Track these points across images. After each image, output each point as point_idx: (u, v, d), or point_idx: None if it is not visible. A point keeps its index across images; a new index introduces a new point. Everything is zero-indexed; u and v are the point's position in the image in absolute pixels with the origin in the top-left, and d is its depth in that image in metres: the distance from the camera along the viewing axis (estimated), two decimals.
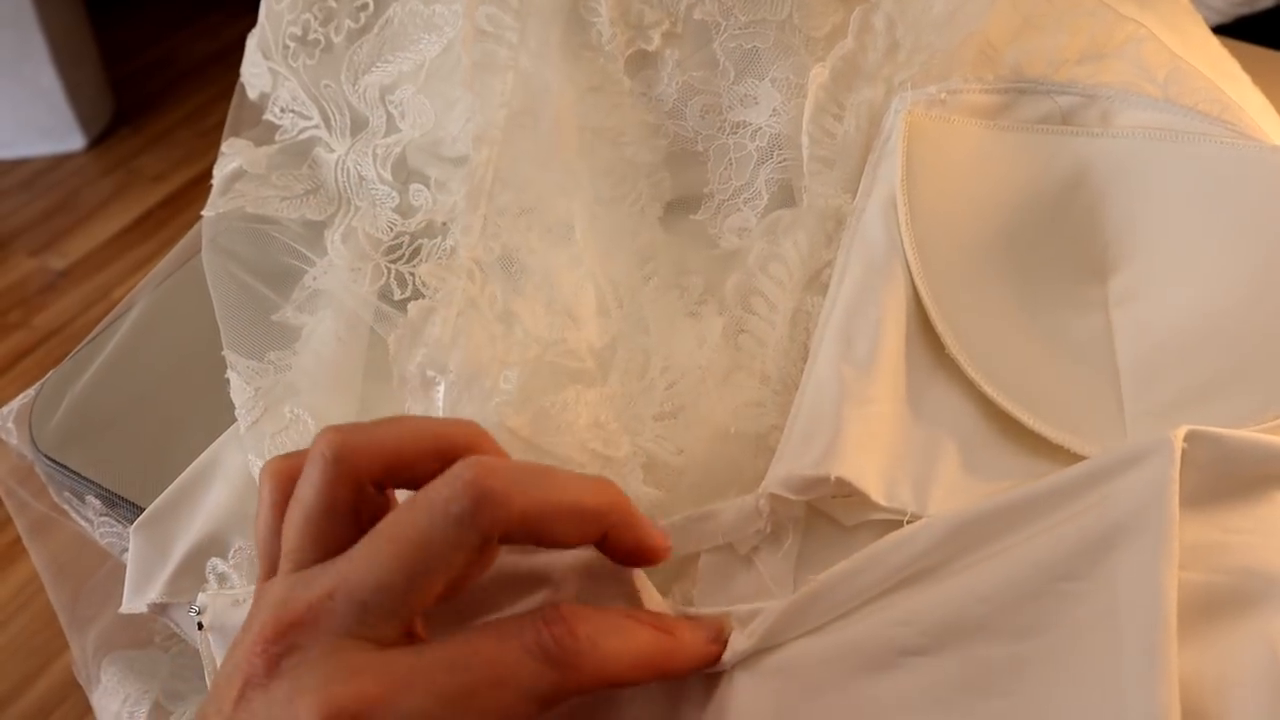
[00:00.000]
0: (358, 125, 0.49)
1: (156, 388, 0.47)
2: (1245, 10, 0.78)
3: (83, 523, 0.46)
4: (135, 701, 0.47)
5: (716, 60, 0.44)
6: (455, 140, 0.45)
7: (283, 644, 0.25)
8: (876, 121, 0.41)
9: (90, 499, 0.44)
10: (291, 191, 0.49)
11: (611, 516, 0.28)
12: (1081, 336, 0.36)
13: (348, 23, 0.49)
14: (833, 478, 0.31)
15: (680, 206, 0.45)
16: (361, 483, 0.27)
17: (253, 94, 0.52)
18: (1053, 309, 0.37)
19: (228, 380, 0.43)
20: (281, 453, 0.39)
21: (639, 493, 0.34)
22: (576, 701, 0.28)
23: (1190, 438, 0.28)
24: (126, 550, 0.42)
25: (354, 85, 0.49)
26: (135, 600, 0.41)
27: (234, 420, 0.42)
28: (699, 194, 0.45)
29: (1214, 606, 0.28)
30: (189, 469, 0.42)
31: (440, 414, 0.36)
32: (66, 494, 0.46)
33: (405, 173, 0.48)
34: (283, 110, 0.51)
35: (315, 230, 0.48)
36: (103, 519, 0.45)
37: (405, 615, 0.25)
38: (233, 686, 0.25)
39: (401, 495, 0.30)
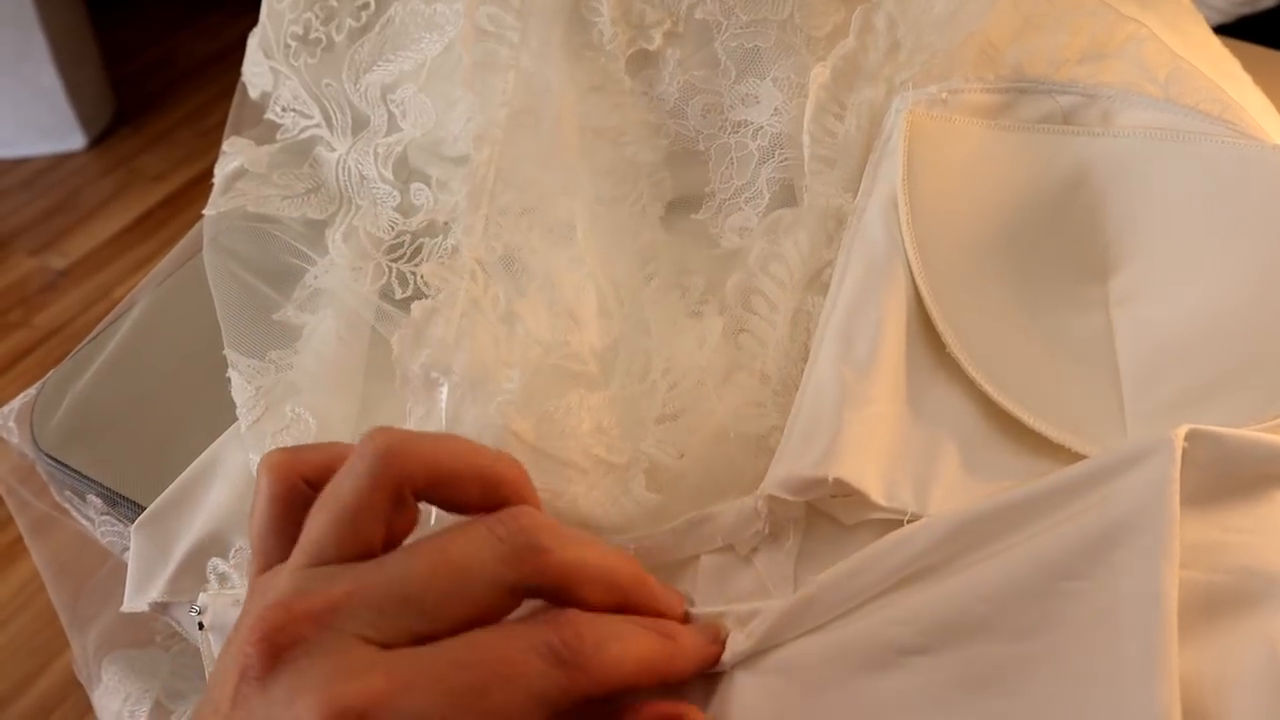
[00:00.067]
0: (359, 124, 0.49)
1: (157, 387, 0.47)
2: (1247, 10, 0.78)
3: (84, 522, 0.47)
4: (136, 700, 0.47)
5: (718, 59, 0.44)
6: (456, 139, 0.45)
7: (285, 635, 0.24)
8: (877, 121, 0.41)
9: (91, 498, 0.44)
10: (293, 190, 0.49)
11: (631, 594, 0.29)
12: (1082, 336, 0.36)
13: (349, 21, 0.49)
14: (831, 479, 0.31)
15: (682, 206, 0.45)
16: (402, 489, 0.27)
17: (254, 93, 0.52)
18: (1053, 308, 0.37)
19: (229, 379, 0.43)
20: None
21: (641, 498, 0.34)
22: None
23: (1191, 437, 0.28)
24: (127, 549, 0.42)
25: (355, 84, 0.49)
26: (136, 599, 0.41)
27: (235, 419, 0.42)
28: (700, 193, 0.45)
29: (1214, 606, 0.28)
30: (190, 468, 0.42)
31: (443, 414, 0.36)
32: (67, 493, 0.46)
33: (406, 172, 0.48)
34: (284, 109, 0.51)
35: (316, 229, 0.48)
36: (104, 518, 0.45)
37: (419, 633, 0.25)
38: (228, 683, 0.24)
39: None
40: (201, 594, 0.38)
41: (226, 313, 0.45)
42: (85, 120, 1.76)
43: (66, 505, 0.47)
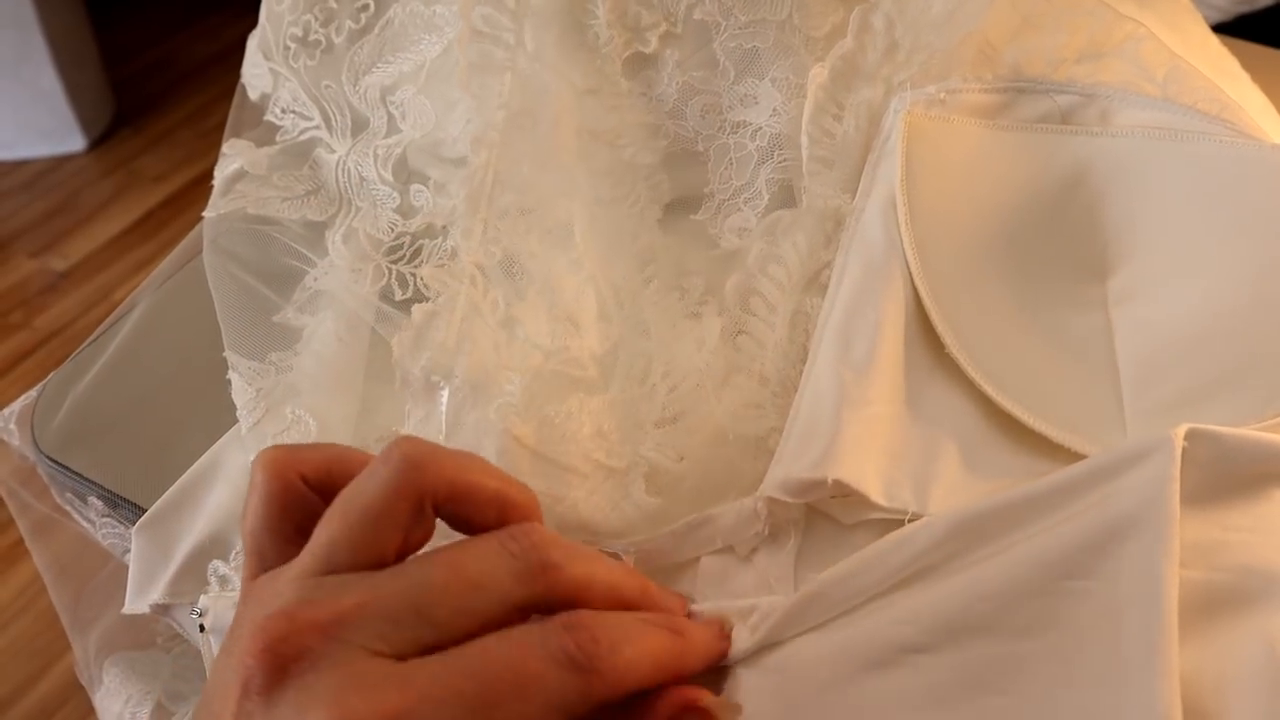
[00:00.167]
0: (358, 126, 0.49)
1: (158, 389, 0.47)
2: (1246, 8, 0.78)
3: (85, 524, 0.47)
4: (137, 702, 0.47)
5: (716, 60, 0.44)
6: (456, 141, 0.46)
7: (290, 647, 0.23)
8: (876, 121, 0.41)
9: (92, 500, 0.45)
10: (292, 192, 0.49)
11: (637, 606, 0.28)
12: (1081, 335, 0.36)
13: (348, 23, 0.49)
14: (830, 480, 0.31)
15: (681, 206, 0.45)
16: (424, 500, 0.26)
17: (254, 95, 0.52)
18: (1052, 308, 0.37)
19: (229, 381, 0.43)
20: None
21: (641, 502, 0.34)
22: None
23: (1191, 436, 0.28)
24: (128, 551, 0.42)
25: (355, 86, 0.49)
26: (137, 601, 0.41)
27: (235, 421, 0.42)
28: (699, 194, 0.45)
29: (1214, 604, 0.28)
30: (191, 470, 0.42)
31: (443, 418, 0.36)
32: (68, 495, 0.46)
33: (406, 173, 0.48)
34: (283, 111, 0.51)
35: (316, 231, 0.48)
36: (105, 520, 0.45)
37: (428, 645, 0.24)
38: (229, 696, 0.23)
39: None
40: (202, 596, 0.38)
41: (226, 314, 0.45)
42: (85, 122, 1.76)
43: (67, 507, 0.47)
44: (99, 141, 1.80)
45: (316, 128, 0.50)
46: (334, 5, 0.49)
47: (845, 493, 0.32)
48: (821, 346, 0.35)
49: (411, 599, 0.24)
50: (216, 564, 0.39)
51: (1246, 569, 0.28)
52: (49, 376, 0.49)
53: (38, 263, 1.59)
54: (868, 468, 0.32)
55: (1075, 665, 0.27)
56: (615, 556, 0.34)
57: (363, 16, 0.49)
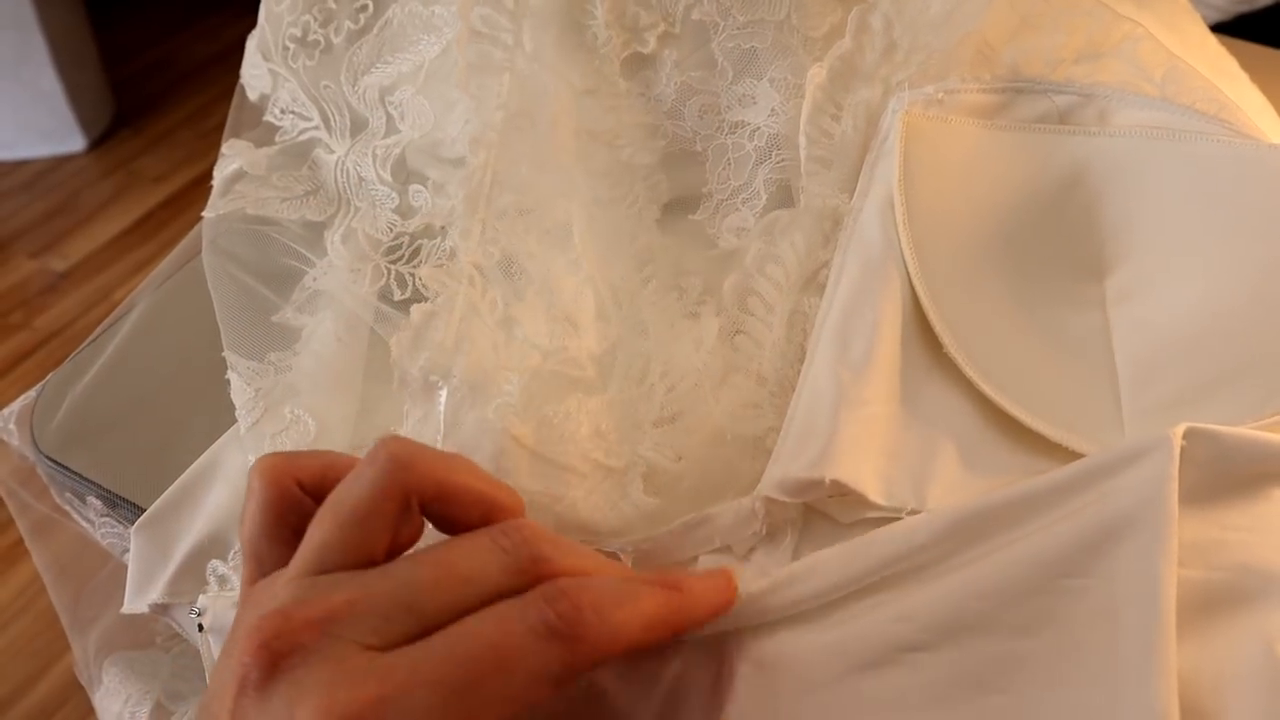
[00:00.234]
0: (357, 126, 0.49)
1: (157, 389, 0.47)
2: (1245, 8, 0.78)
3: (84, 524, 0.47)
4: (137, 702, 0.47)
5: (715, 60, 0.44)
6: (454, 141, 0.46)
7: (283, 643, 0.24)
8: (874, 121, 0.41)
9: (91, 500, 0.45)
10: (291, 192, 0.49)
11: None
12: (1079, 335, 0.36)
13: (347, 24, 0.49)
14: (827, 480, 0.31)
15: (679, 206, 0.45)
16: (410, 498, 0.27)
17: (253, 95, 0.52)
18: (1050, 308, 0.37)
19: (228, 381, 0.43)
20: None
21: (639, 502, 0.34)
22: (570, 698, 0.29)
23: (1189, 435, 0.28)
24: (128, 551, 0.42)
25: (353, 86, 0.49)
26: (136, 601, 0.41)
27: (234, 421, 0.42)
28: (698, 194, 0.45)
29: (1212, 604, 0.28)
30: (190, 470, 0.42)
31: (441, 418, 0.36)
32: (68, 495, 0.46)
33: (405, 174, 0.48)
34: (283, 111, 0.51)
35: (315, 231, 0.48)
36: (104, 520, 0.45)
37: (420, 634, 0.25)
38: (226, 695, 0.24)
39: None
40: (201, 596, 0.39)
41: (226, 315, 0.45)
42: (85, 122, 1.76)
43: (67, 507, 0.47)
44: (99, 142, 1.80)
45: (315, 128, 0.50)
46: (333, 6, 0.49)
47: (843, 492, 0.32)
48: (819, 346, 0.35)
49: (402, 594, 0.25)
50: (215, 563, 0.39)
51: (1245, 568, 0.28)
52: (48, 377, 0.49)
53: (38, 263, 1.59)
54: (865, 467, 0.32)
55: (1073, 664, 0.27)
56: (613, 556, 0.34)
57: (361, 17, 0.49)
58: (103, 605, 0.49)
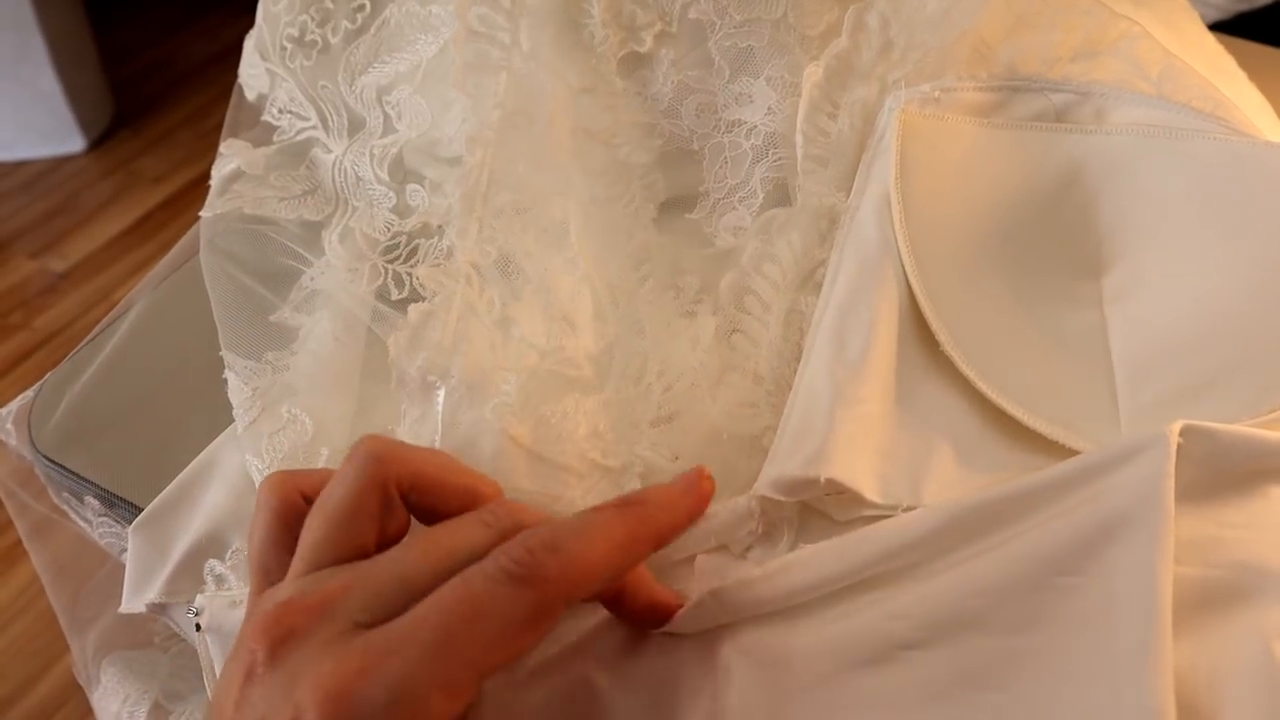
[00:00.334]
0: (355, 126, 0.49)
1: (155, 388, 0.47)
2: (1245, 7, 0.78)
3: (82, 523, 0.47)
4: (135, 702, 0.47)
5: (712, 59, 0.44)
6: (452, 141, 0.46)
7: (283, 628, 0.25)
8: (870, 120, 0.41)
9: (89, 499, 0.45)
10: (289, 192, 0.49)
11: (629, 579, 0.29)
12: (1076, 333, 0.36)
13: (344, 24, 0.49)
14: (823, 479, 0.31)
15: (676, 205, 0.45)
16: (389, 488, 0.28)
17: (250, 95, 0.52)
18: (1047, 306, 0.37)
19: (225, 380, 0.43)
20: (279, 452, 0.39)
21: None
22: (564, 696, 0.29)
23: (1185, 433, 0.28)
24: (126, 551, 0.42)
25: (351, 86, 0.49)
26: (134, 600, 0.41)
27: (232, 420, 0.42)
28: (694, 193, 0.45)
29: (1208, 601, 0.28)
30: (187, 469, 0.42)
31: (439, 417, 0.36)
32: (65, 494, 0.46)
33: (402, 173, 0.48)
34: (280, 111, 0.51)
35: (313, 231, 0.48)
36: (101, 519, 0.45)
37: (410, 606, 0.25)
38: (234, 685, 0.25)
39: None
40: (199, 596, 0.39)
41: (223, 314, 0.45)
42: (84, 123, 1.76)
43: (65, 507, 0.47)
44: (98, 142, 1.80)
45: (313, 128, 0.50)
46: (330, 5, 0.49)
47: (839, 490, 0.32)
48: (815, 345, 0.35)
49: (392, 571, 0.26)
50: (213, 563, 0.39)
51: (1241, 565, 0.28)
52: (46, 376, 0.49)
53: (37, 264, 1.59)
54: (860, 465, 0.32)
55: (1069, 662, 0.27)
56: None
57: (359, 17, 0.49)
58: (101, 605, 0.49)
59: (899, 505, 0.32)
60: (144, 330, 0.50)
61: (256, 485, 0.40)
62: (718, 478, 0.34)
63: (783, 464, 0.32)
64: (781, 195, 0.43)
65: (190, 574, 0.40)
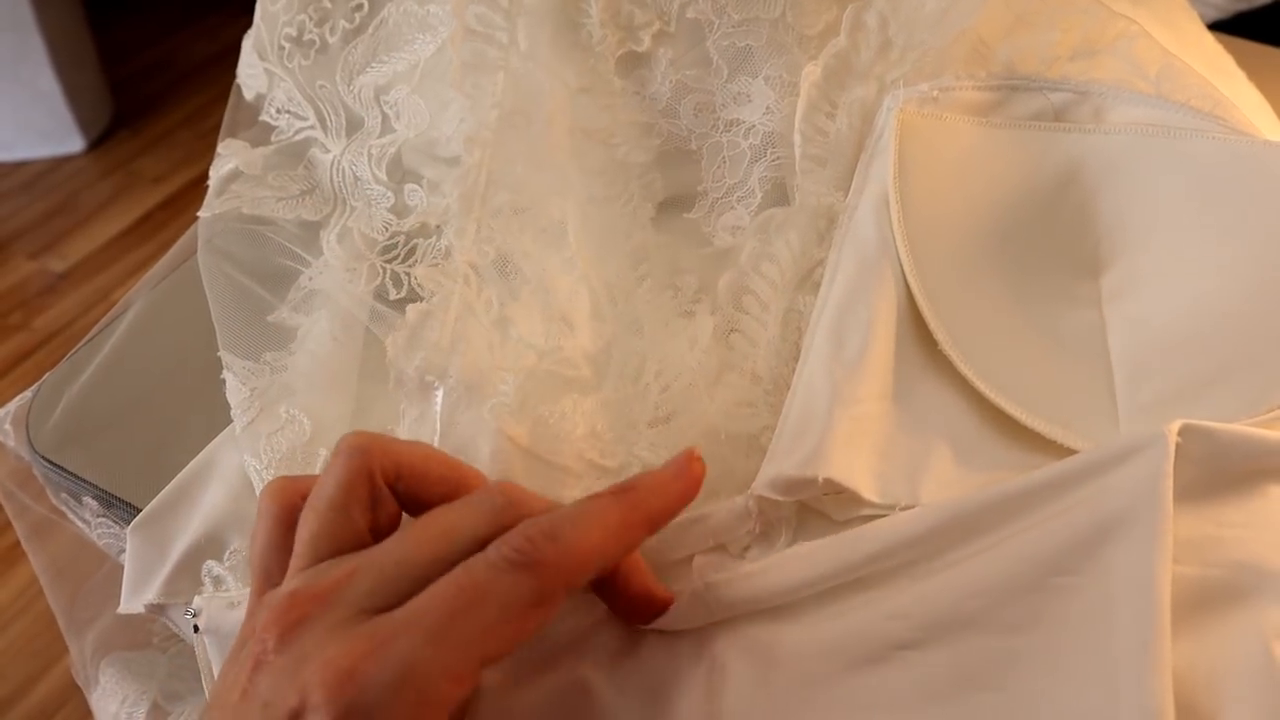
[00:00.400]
0: (353, 126, 0.49)
1: (153, 389, 0.47)
2: (1244, 6, 0.78)
3: (80, 524, 0.47)
4: (133, 703, 0.47)
5: (710, 59, 0.44)
6: (450, 140, 0.45)
7: (291, 617, 0.26)
8: (869, 119, 0.41)
9: (87, 500, 0.45)
10: (287, 192, 0.49)
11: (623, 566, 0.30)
12: (1074, 332, 0.36)
13: (342, 23, 0.49)
14: (820, 479, 0.31)
15: (674, 205, 0.45)
16: (375, 477, 0.29)
17: (249, 95, 0.52)
18: (1045, 305, 0.37)
19: (224, 381, 0.43)
20: (277, 452, 0.40)
21: None
22: (560, 697, 0.29)
23: (1184, 432, 0.28)
24: (124, 551, 0.42)
25: (349, 86, 0.49)
26: (133, 601, 0.41)
27: (230, 421, 0.42)
28: (693, 192, 0.45)
29: (1208, 600, 0.28)
30: (186, 469, 0.42)
31: (437, 417, 0.36)
32: (64, 495, 0.46)
33: (400, 173, 0.48)
34: (278, 111, 0.51)
35: (311, 231, 0.48)
36: (100, 520, 0.45)
37: (415, 588, 0.26)
38: (241, 674, 0.26)
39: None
40: (196, 597, 0.38)
41: (221, 314, 0.45)
42: (84, 123, 1.76)
43: (63, 508, 0.47)
44: (98, 142, 1.80)
45: (311, 128, 0.50)
46: (328, 5, 0.49)
47: (837, 490, 0.32)
48: (814, 344, 0.35)
49: (395, 556, 0.27)
50: (210, 564, 0.39)
51: (1240, 565, 0.28)
52: (44, 377, 0.49)
53: (37, 264, 1.59)
54: (858, 465, 0.32)
55: (1067, 661, 0.27)
56: None
57: (357, 16, 0.49)
58: (99, 606, 0.49)
59: (897, 504, 0.32)
60: (142, 331, 0.50)
61: (255, 485, 0.40)
62: (716, 477, 0.35)
63: (780, 463, 0.32)
64: (780, 195, 0.43)
65: (189, 574, 0.40)
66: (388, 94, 0.48)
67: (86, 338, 0.50)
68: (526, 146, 0.41)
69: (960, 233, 0.37)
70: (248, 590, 0.38)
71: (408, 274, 0.45)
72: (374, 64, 0.48)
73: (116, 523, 0.44)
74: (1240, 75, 0.47)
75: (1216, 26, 0.54)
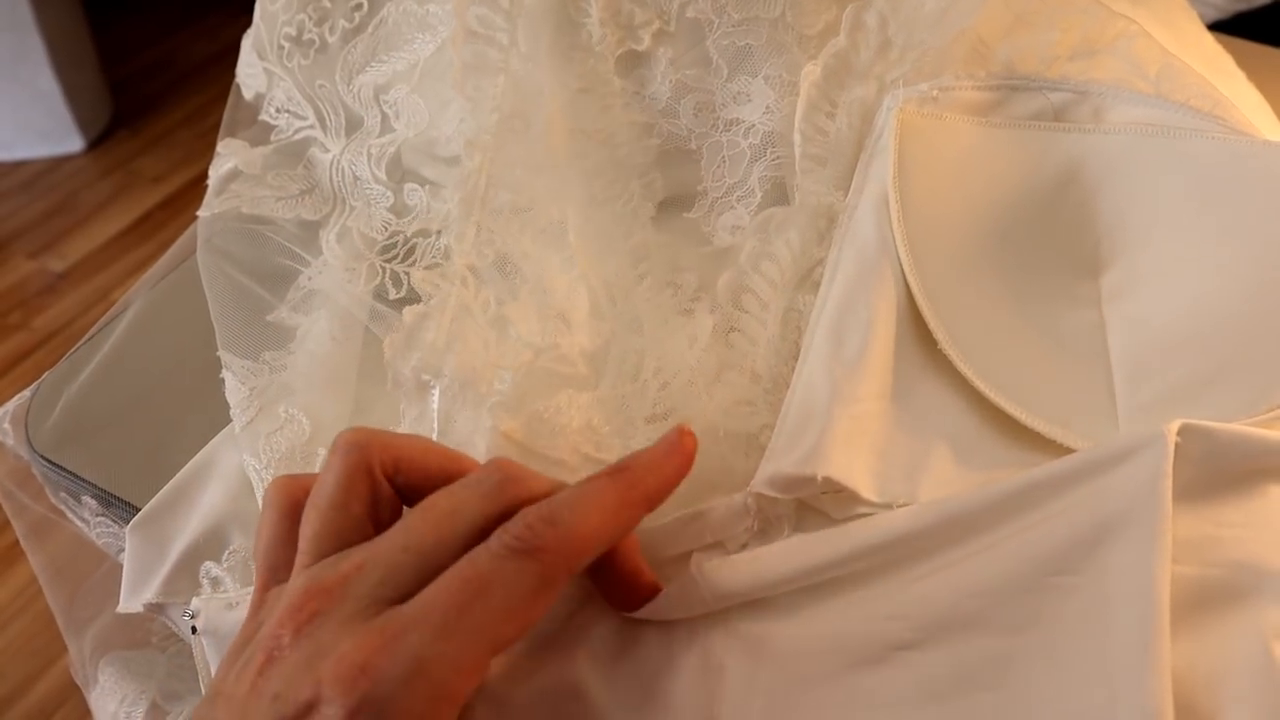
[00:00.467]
0: (352, 125, 0.49)
1: (152, 388, 0.47)
2: (1244, 6, 0.78)
3: (79, 523, 0.47)
4: (132, 702, 0.47)
5: (709, 58, 0.44)
6: (449, 140, 0.46)
7: (305, 612, 0.26)
8: (869, 119, 0.41)
9: (86, 499, 0.44)
10: (287, 191, 0.49)
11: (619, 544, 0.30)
12: (1074, 332, 0.36)
13: (342, 23, 0.49)
14: (819, 477, 0.31)
15: (674, 204, 0.45)
16: (374, 470, 0.29)
17: (248, 94, 0.52)
18: (1045, 305, 0.37)
19: (223, 380, 0.43)
20: (276, 452, 0.40)
21: None
22: (556, 697, 0.29)
23: (1183, 432, 0.28)
24: (123, 551, 0.42)
25: (348, 85, 0.49)
26: (132, 600, 0.41)
27: (229, 420, 0.42)
28: (692, 192, 0.45)
29: (1206, 600, 0.28)
30: (185, 469, 0.42)
31: (435, 416, 0.36)
32: (63, 494, 0.46)
33: (400, 172, 0.48)
34: (278, 110, 0.51)
35: (310, 230, 0.48)
36: (99, 519, 0.45)
37: (424, 575, 0.26)
38: (252, 664, 0.26)
39: None
40: (194, 598, 0.38)
41: (220, 314, 0.45)
42: (83, 123, 1.76)
43: (62, 507, 0.47)
44: (97, 142, 1.80)
45: (311, 127, 0.50)
46: (328, 4, 0.49)
47: (835, 489, 0.32)
48: (813, 343, 0.35)
49: (400, 544, 0.27)
50: (209, 565, 0.39)
51: (1239, 565, 0.28)
52: (43, 376, 0.49)
53: (36, 263, 1.59)
54: (857, 464, 0.32)
55: (1065, 661, 0.27)
56: None
57: (356, 15, 0.49)
58: (98, 605, 0.49)
59: (895, 503, 0.32)
60: (141, 330, 0.50)
61: (254, 485, 0.40)
62: (714, 475, 0.35)
63: (779, 461, 0.32)
64: (780, 194, 0.43)
65: (188, 574, 0.40)
66: (387, 93, 0.48)
67: (86, 337, 0.50)
68: (526, 150, 0.41)
69: (960, 232, 0.37)
70: (246, 591, 0.38)
71: (407, 274, 0.45)
72: (373, 63, 0.48)
73: (115, 522, 0.44)
74: (1239, 75, 0.47)
75: (1216, 26, 0.54)
